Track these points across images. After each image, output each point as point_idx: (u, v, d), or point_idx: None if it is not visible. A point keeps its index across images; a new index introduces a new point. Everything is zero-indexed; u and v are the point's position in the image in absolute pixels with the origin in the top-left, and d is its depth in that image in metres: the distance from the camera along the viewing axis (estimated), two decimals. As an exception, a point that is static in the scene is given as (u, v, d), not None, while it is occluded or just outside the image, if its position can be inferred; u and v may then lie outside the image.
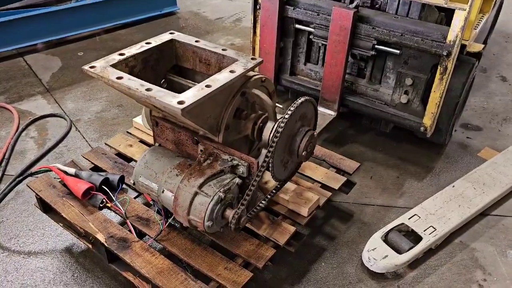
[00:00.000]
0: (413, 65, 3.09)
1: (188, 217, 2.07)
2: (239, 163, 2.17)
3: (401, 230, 2.86)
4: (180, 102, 1.87)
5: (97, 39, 5.52)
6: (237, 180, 2.15)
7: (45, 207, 2.65)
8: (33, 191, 2.64)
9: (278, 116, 2.38)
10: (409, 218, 2.90)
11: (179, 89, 2.44)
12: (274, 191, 2.40)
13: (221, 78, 2.06)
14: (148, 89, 1.95)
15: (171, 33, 2.50)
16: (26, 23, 4.93)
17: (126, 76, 2.04)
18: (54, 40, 5.26)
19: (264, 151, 2.37)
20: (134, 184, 2.32)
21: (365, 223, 3.02)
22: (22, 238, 2.84)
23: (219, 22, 6.22)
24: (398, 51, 3.08)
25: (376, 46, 3.12)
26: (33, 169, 2.79)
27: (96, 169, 2.85)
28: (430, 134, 3.17)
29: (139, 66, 2.30)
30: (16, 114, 3.95)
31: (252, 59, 2.27)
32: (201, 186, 2.05)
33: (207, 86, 1.99)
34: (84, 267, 2.63)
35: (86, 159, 2.92)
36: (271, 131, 2.29)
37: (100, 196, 2.52)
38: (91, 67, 2.11)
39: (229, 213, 2.10)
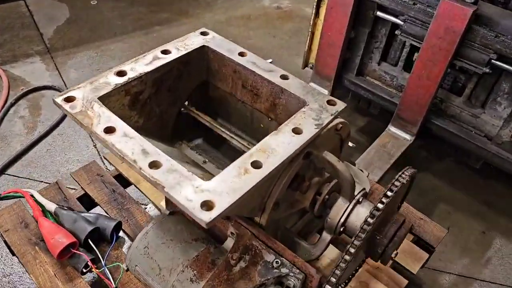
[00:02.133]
0: (543, 95, 2.14)
1: None
2: (291, 273, 1.38)
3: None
4: (206, 205, 1.05)
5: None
6: (284, 297, 1.38)
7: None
8: (-2, 229, 1.93)
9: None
10: (503, 312, 2.11)
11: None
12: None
13: (278, 148, 1.21)
14: (152, 164, 1.13)
15: (202, 34, 1.62)
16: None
17: (120, 126, 1.22)
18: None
19: (325, 236, 1.58)
20: (127, 270, 1.57)
21: (438, 301, 2.26)
22: (-10, 269, 2.19)
23: (265, -26, 5.13)
24: (526, 74, 2.12)
25: (493, 61, 2.16)
26: (2, 192, 2.07)
27: (86, 200, 2.10)
28: (546, 192, 2.29)
29: (148, 91, 1.47)
30: (6, 82, 3.18)
31: (330, 103, 1.39)
32: (227, 312, 1.29)
33: (254, 165, 1.16)
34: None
35: (76, 181, 2.17)
36: (343, 215, 1.48)
37: (84, 257, 1.79)
38: (67, 100, 1.28)
39: None
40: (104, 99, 1.32)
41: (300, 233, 1.82)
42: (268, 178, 1.16)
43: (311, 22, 2.69)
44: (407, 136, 2.57)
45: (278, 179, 1.38)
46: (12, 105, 3.04)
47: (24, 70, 3.33)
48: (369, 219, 1.31)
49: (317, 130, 1.28)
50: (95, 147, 2.83)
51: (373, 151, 2.47)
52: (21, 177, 2.63)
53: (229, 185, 1.10)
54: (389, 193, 1.35)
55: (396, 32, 2.42)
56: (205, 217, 1.03)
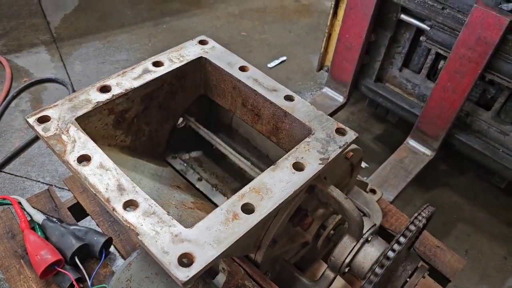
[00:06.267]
0: None
1: None
2: (285, 321, 1.23)
3: None
4: (185, 257, 0.90)
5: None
6: None
7: (0, 261, 1.85)
8: (-17, 238, 1.83)
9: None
10: None
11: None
12: None
13: (274, 188, 1.05)
14: (128, 204, 0.98)
15: (201, 43, 1.45)
16: None
17: (96, 155, 1.07)
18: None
19: (328, 274, 1.42)
20: (109, 300, 1.44)
21: (451, 334, 2.08)
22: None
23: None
24: None
25: (529, 76, 1.95)
26: (-9, 198, 1.97)
27: (77, 208, 1.98)
28: None
29: (136, 108, 1.31)
30: (9, 74, 3.07)
31: (339, 131, 1.22)
32: None
33: (246, 209, 1.00)
34: None
35: (68, 190, 2.05)
36: (349, 255, 1.32)
37: (69, 277, 1.67)
38: (40, 120, 1.14)
39: None
40: (83, 120, 1.17)
41: (303, 260, 1.66)
42: (261, 224, 1.00)
43: (328, 23, 2.48)
44: (427, 151, 2.37)
45: (276, 215, 1.23)
46: (14, 97, 2.93)
47: (28, 61, 3.21)
48: (377, 269, 1.15)
49: (322, 166, 1.11)
50: (96, 147, 2.71)
51: (389, 167, 2.29)
52: (18, 176, 2.54)
53: (213, 234, 0.95)
54: (403, 237, 1.18)
55: (421, 38, 2.21)
56: (182, 275, 0.88)
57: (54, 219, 1.86)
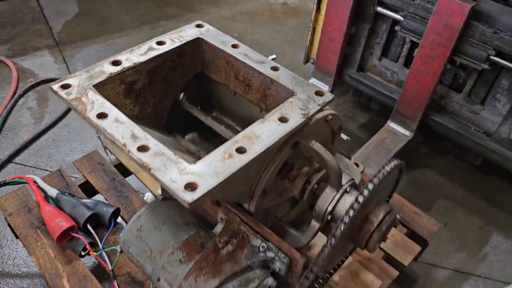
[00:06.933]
0: (542, 92, 2.14)
1: (189, 332, 1.37)
2: (276, 257, 1.42)
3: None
4: (190, 186, 1.10)
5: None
6: (270, 281, 1.42)
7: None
8: (2, 213, 2.01)
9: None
10: (496, 307, 2.12)
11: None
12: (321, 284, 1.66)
13: (263, 135, 1.25)
14: (141, 148, 1.18)
15: (198, 26, 1.66)
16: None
17: (112, 112, 1.27)
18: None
19: (314, 224, 1.61)
20: (121, 251, 1.62)
21: (432, 296, 2.27)
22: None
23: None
24: (524, 70, 2.12)
25: (492, 57, 2.17)
26: (7, 178, 2.15)
27: (87, 187, 2.17)
28: (543, 189, 2.29)
29: (142, 80, 1.51)
30: (16, 75, 3.26)
31: (318, 93, 1.43)
32: (213, 293, 1.34)
33: (239, 151, 1.20)
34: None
35: (78, 169, 2.23)
36: (330, 204, 1.51)
37: (82, 241, 1.85)
38: (63, 87, 1.34)
39: (252, 334, 1.39)
40: (99, 87, 1.37)
41: (293, 223, 1.85)
42: (252, 163, 1.19)
43: (313, 17, 2.72)
44: (406, 132, 2.58)
45: (266, 167, 1.42)
46: (20, 96, 3.12)
47: (33, 63, 3.41)
48: (354, 205, 1.34)
49: (303, 119, 1.32)
50: (99, 138, 2.90)
51: (371, 146, 2.50)
52: (28, 166, 2.71)
53: (213, 168, 1.15)
54: (375, 180, 1.38)
55: (396, 28, 2.44)
56: (188, 197, 1.07)
57: (67, 194, 2.05)
